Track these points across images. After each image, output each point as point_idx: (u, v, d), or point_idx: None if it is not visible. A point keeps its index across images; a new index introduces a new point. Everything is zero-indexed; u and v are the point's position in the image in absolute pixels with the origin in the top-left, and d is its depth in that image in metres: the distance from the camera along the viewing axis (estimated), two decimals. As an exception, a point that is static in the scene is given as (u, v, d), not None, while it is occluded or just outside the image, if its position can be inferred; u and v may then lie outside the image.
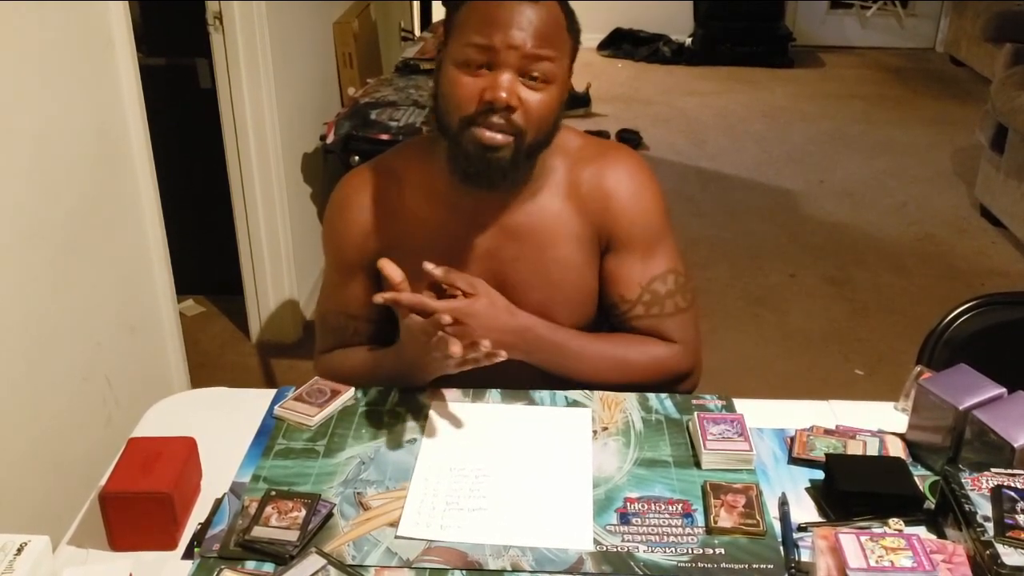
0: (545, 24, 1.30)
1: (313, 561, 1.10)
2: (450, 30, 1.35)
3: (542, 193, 1.44)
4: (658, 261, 1.48)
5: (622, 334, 1.50)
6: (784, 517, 1.18)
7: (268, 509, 1.17)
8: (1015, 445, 1.16)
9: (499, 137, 1.31)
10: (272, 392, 1.45)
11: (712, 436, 1.29)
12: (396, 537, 1.15)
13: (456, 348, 1.27)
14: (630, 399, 1.43)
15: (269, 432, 1.36)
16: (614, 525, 1.17)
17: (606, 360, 1.46)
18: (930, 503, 1.19)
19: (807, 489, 1.25)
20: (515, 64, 1.29)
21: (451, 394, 1.44)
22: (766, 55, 6.96)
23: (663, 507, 1.20)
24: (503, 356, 1.30)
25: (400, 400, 1.42)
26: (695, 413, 1.34)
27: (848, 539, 1.05)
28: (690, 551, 1.13)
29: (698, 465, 1.28)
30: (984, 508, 1.10)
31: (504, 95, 1.28)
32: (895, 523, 1.14)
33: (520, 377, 1.46)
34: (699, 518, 1.18)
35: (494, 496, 1.22)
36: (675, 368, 1.49)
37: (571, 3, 1.40)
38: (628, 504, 1.21)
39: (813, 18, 7.52)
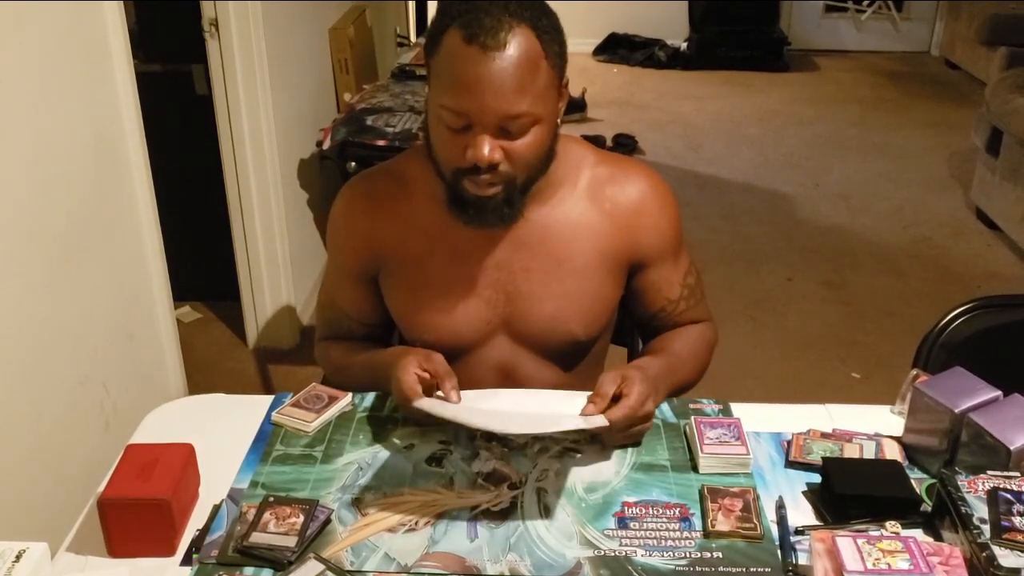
0: (519, 70, 1.25)
1: (311, 567, 1.10)
2: (430, 74, 1.32)
3: (556, 204, 1.44)
4: (683, 257, 1.55)
5: (672, 335, 1.54)
6: (781, 520, 1.18)
7: (266, 515, 1.17)
8: (1011, 448, 1.17)
9: (490, 191, 1.32)
10: (270, 398, 1.45)
11: (709, 440, 1.29)
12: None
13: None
14: (627, 403, 1.43)
15: (267, 438, 1.36)
16: (612, 530, 1.18)
17: (690, 361, 1.51)
18: (927, 506, 1.19)
19: (804, 492, 1.25)
20: (492, 125, 1.27)
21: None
22: (761, 59, 6.97)
23: (661, 511, 1.20)
24: None
25: (398, 406, 1.42)
26: (692, 417, 1.35)
27: (845, 542, 1.05)
28: (688, 555, 1.13)
29: (695, 469, 1.28)
30: (980, 510, 1.10)
31: (485, 155, 1.27)
32: (892, 526, 1.14)
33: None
34: (697, 522, 1.19)
35: (504, 405, 1.31)
36: (715, 340, 1.59)
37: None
38: (626, 508, 1.21)
39: (808, 22, 7.53)
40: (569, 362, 1.52)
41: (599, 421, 1.25)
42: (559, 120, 1.37)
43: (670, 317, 1.55)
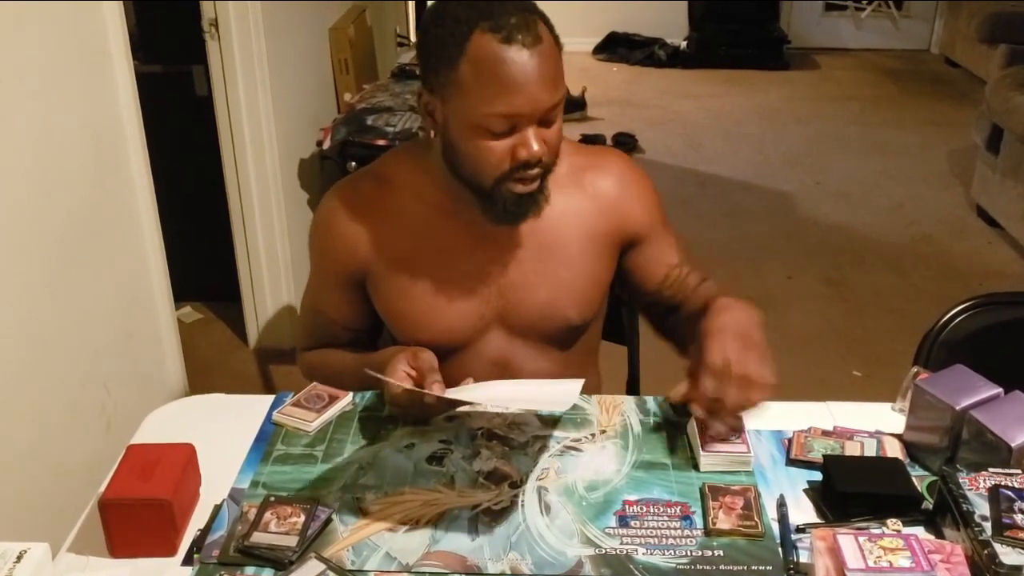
0: (553, 59, 1.27)
1: (312, 566, 1.10)
2: (452, 87, 1.27)
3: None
4: (669, 228, 1.56)
5: (707, 292, 1.52)
6: (783, 518, 1.18)
7: (267, 515, 1.17)
8: (1012, 445, 1.17)
9: (535, 184, 1.34)
10: (271, 398, 1.45)
11: (710, 438, 1.29)
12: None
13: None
14: (628, 402, 1.43)
15: (268, 438, 1.36)
16: (613, 528, 1.18)
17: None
18: (928, 503, 1.19)
19: (805, 490, 1.25)
20: (537, 119, 1.28)
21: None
22: (761, 57, 6.97)
23: (662, 509, 1.20)
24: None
25: (389, 404, 1.42)
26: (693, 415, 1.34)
27: (846, 540, 1.05)
28: (689, 553, 1.13)
29: (696, 467, 1.28)
30: (982, 508, 1.10)
31: (537, 149, 1.28)
32: (893, 523, 1.14)
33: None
34: (698, 520, 1.19)
35: (494, 394, 1.34)
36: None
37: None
38: (627, 507, 1.21)
39: (808, 20, 7.53)
40: (564, 348, 1.53)
41: (573, 392, 1.26)
42: None
43: (677, 282, 1.55)
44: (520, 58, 1.23)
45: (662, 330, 1.61)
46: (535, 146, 1.28)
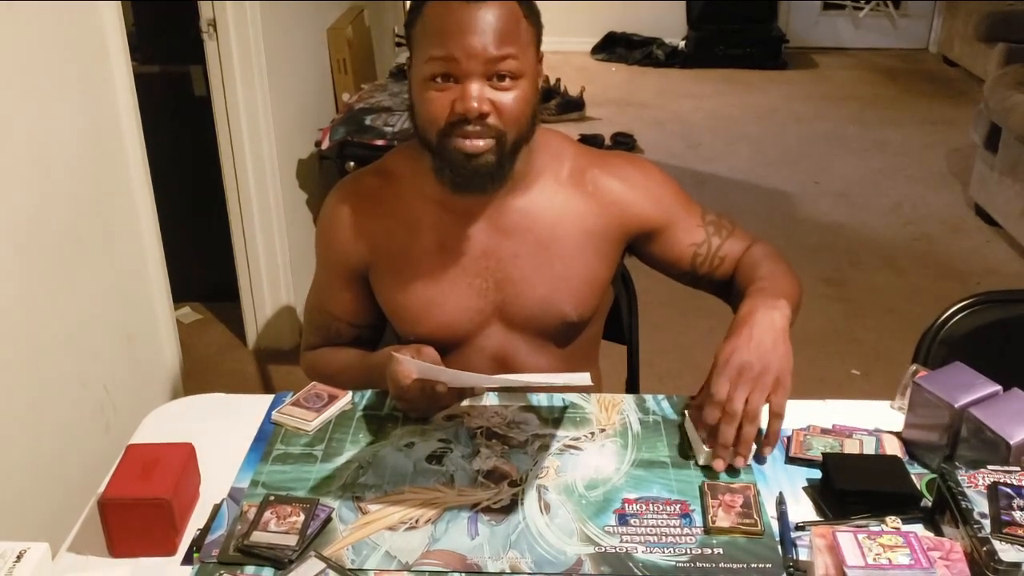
0: (501, 21, 1.29)
1: (312, 565, 1.10)
2: (412, 46, 1.36)
3: (538, 191, 1.46)
4: (693, 206, 1.56)
5: (751, 265, 1.52)
6: (782, 516, 1.18)
7: (267, 514, 1.17)
8: (1011, 442, 1.17)
9: (480, 143, 1.33)
10: (270, 397, 1.45)
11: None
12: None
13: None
14: (627, 401, 1.43)
15: (267, 437, 1.36)
16: (612, 526, 1.18)
17: (789, 285, 1.49)
18: (927, 501, 1.19)
19: (804, 488, 1.25)
20: (479, 70, 1.29)
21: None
22: (759, 57, 6.97)
23: (661, 507, 1.21)
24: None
25: (394, 399, 1.42)
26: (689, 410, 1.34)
27: (846, 537, 1.06)
28: (688, 551, 1.14)
29: (696, 463, 1.28)
30: (981, 505, 1.10)
31: (474, 104, 1.29)
32: (892, 521, 1.14)
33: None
34: (697, 518, 1.19)
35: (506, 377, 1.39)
36: (772, 250, 1.57)
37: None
38: (626, 505, 1.21)
39: (806, 19, 7.53)
40: (562, 345, 1.54)
41: (584, 379, 1.30)
42: (539, 85, 1.40)
43: (708, 259, 1.55)
44: (459, 8, 1.29)
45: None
46: (472, 99, 1.29)
